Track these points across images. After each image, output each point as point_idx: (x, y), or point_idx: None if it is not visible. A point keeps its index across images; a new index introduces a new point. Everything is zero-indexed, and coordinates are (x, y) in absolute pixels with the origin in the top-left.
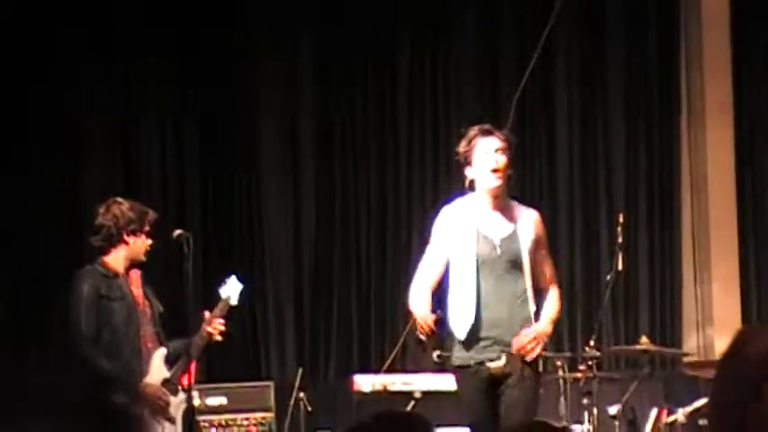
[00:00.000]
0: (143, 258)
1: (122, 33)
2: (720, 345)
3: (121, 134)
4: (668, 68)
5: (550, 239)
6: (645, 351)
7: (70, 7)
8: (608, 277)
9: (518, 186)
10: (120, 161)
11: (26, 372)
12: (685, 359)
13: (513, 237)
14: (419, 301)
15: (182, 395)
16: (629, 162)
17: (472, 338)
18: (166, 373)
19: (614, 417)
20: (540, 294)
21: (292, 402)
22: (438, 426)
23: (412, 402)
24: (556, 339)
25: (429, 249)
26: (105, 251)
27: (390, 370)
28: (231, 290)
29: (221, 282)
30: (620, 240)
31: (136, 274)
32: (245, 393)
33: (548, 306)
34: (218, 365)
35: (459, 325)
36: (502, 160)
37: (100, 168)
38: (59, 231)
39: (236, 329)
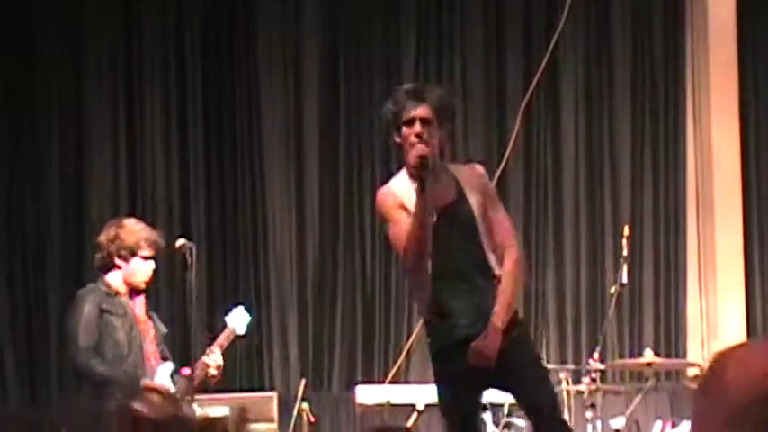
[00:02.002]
0: (140, 284)
1: (121, 34)
2: None
3: (126, 141)
4: (674, 79)
5: (556, 249)
6: (649, 364)
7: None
8: (613, 289)
9: (524, 198)
10: (126, 174)
11: None
12: (690, 372)
13: (458, 203)
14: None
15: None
16: (634, 174)
17: (433, 320)
18: (171, 388)
19: (618, 430)
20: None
21: (295, 413)
22: None
23: (415, 414)
24: (560, 352)
25: (392, 228)
26: (105, 270)
27: (394, 381)
28: (237, 320)
29: (228, 311)
30: (625, 253)
31: (140, 301)
32: (247, 404)
33: (500, 292)
34: (221, 376)
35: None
36: (426, 134)
37: (104, 178)
38: (63, 236)
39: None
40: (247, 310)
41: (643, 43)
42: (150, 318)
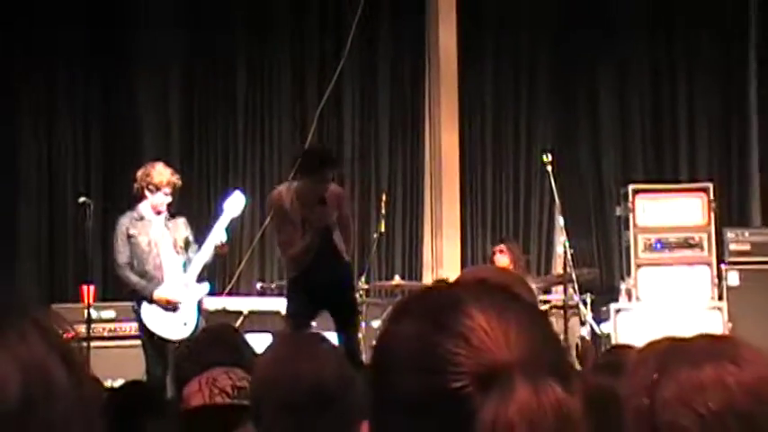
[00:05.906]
0: (161, 209)
1: None
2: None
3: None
4: (417, 97)
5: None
6: (397, 285)
7: None
8: (375, 235)
9: None
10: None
11: None
12: None
13: (323, 211)
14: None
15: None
16: (391, 158)
17: (296, 276)
18: (182, 274)
19: (377, 328)
20: None
21: None
22: (257, 332)
23: (241, 317)
24: None
25: (281, 234)
26: (138, 199)
27: (230, 293)
28: (233, 204)
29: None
30: (383, 212)
31: (159, 220)
32: (129, 309)
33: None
34: (111, 289)
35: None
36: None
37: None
38: None
39: None
40: (244, 193)
41: (399, 73)
42: (168, 228)
